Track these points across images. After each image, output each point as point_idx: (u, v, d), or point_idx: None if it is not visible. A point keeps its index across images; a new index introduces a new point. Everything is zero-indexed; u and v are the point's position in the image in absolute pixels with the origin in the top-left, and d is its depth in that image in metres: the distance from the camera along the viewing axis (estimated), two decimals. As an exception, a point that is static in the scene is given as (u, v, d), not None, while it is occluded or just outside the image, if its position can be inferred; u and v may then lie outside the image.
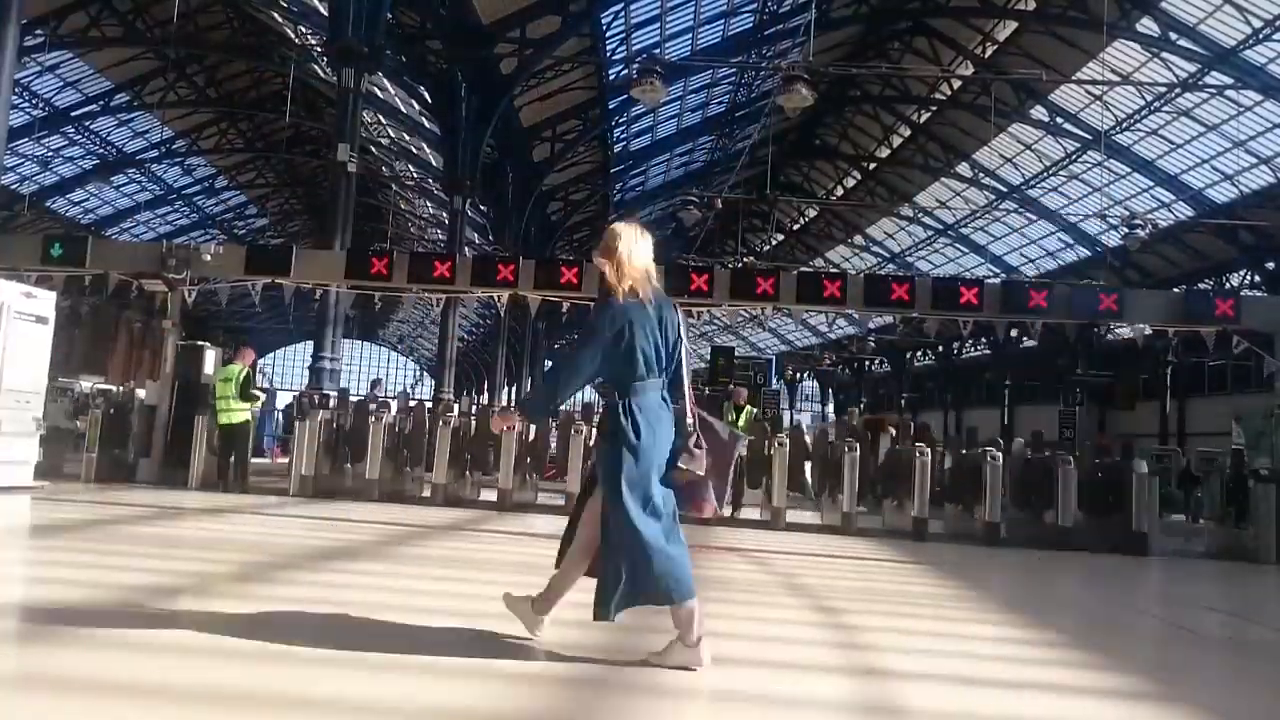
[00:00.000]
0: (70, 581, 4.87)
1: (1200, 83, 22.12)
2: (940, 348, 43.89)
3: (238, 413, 11.19)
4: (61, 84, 26.85)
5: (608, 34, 23.68)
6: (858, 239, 41.17)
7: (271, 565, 5.93)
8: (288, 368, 63.47)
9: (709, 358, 36.57)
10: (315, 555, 6.63)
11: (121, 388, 15.18)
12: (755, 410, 13.43)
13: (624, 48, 24.78)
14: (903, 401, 45.48)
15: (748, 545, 8.85)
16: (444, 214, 28.25)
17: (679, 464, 3.67)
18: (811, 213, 40.32)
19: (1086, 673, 4.22)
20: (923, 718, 3.37)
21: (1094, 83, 22.94)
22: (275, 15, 24.53)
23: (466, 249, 25.59)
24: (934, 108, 30.25)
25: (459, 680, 3.44)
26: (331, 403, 12.54)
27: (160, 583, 4.98)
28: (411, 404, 13.66)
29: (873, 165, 35.24)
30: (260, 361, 54.93)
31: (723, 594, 5.80)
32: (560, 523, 4.17)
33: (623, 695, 3.42)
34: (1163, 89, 22.64)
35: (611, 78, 25.35)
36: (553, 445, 13.00)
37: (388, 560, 6.61)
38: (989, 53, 25.95)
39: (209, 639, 3.78)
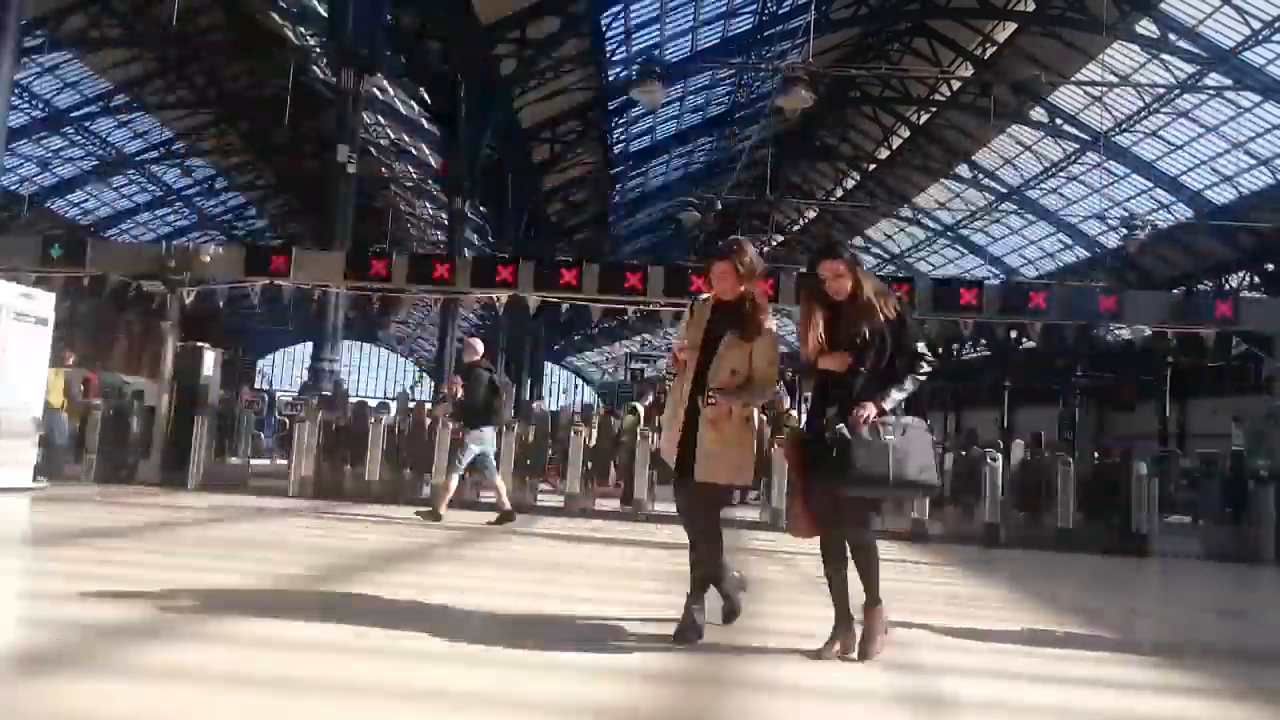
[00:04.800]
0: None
1: (1199, 84, 22.13)
2: (940, 349, 43.85)
3: None
4: (61, 85, 26.82)
5: (607, 35, 23.68)
6: (858, 240, 41.15)
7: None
8: (288, 368, 63.39)
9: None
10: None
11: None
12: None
13: (624, 49, 24.78)
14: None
15: (756, 547, 8.89)
16: (444, 215, 28.24)
17: None
18: (811, 214, 40.31)
19: (1105, 668, 4.29)
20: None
21: (1093, 84, 22.96)
22: (275, 16, 24.52)
23: (466, 250, 25.58)
24: (933, 109, 30.24)
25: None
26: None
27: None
28: (411, 405, 13.68)
29: (872, 166, 35.24)
30: (259, 363, 54.94)
31: (752, 592, 5.90)
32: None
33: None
34: (1162, 90, 22.64)
35: (611, 79, 25.35)
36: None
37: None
38: (988, 54, 25.95)
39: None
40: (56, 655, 3.45)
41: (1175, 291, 20.41)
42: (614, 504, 11.85)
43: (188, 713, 2.88)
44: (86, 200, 33.24)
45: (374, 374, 65.29)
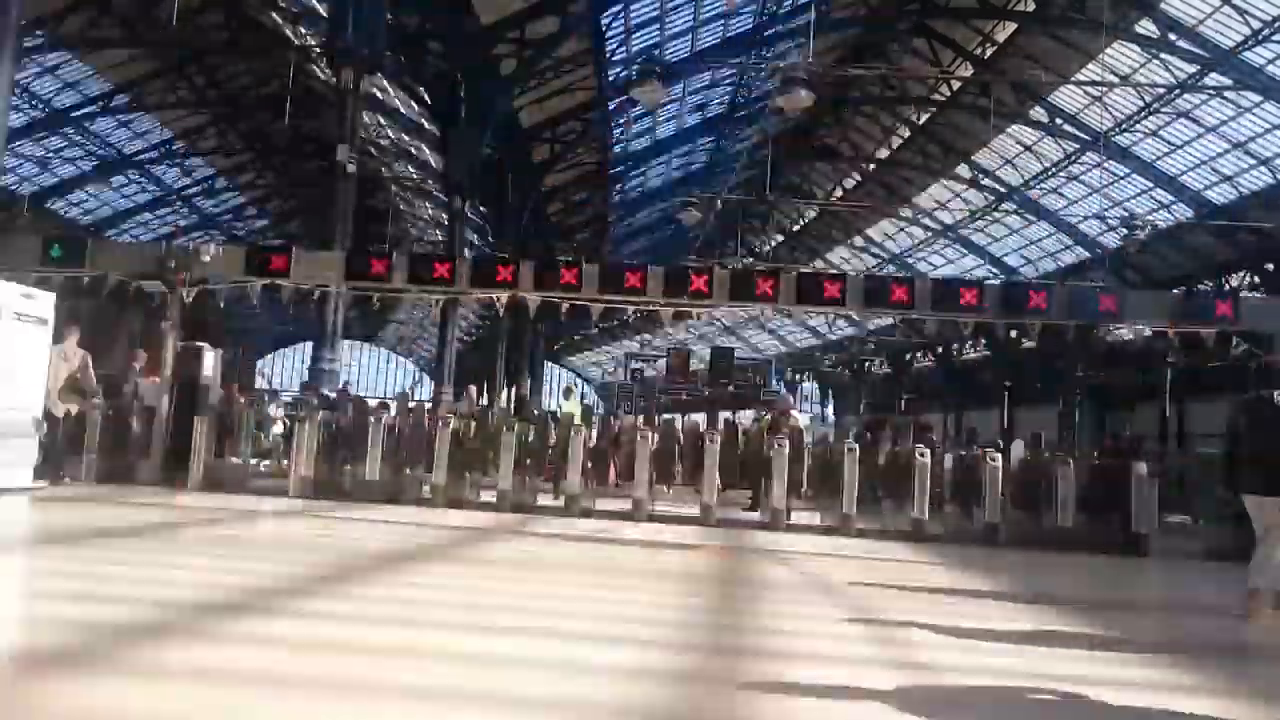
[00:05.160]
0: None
1: (1200, 84, 22.12)
2: (940, 349, 43.89)
3: None
4: (61, 85, 26.81)
5: (607, 35, 23.66)
6: (857, 240, 41.17)
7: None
8: (287, 368, 63.39)
9: (708, 359, 36.62)
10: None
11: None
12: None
13: (624, 49, 24.78)
14: (902, 403, 45.46)
15: (760, 546, 8.91)
16: (443, 215, 28.23)
17: None
18: (811, 214, 40.31)
19: (1108, 667, 4.30)
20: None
21: (1093, 84, 22.94)
22: (275, 16, 24.52)
23: (466, 250, 25.56)
24: (933, 109, 30.24)
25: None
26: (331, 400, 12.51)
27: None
28: (411, 405, 13.66)
29: (872, 166, 35.24)
30: (259, 363, 54.92)
31: (757, 592, 5.93)
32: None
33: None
34: (1162, 90, 22.64)
35: (611, 79, 25.34)
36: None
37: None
38: (988, 54, 25.95)
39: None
40: (74, 655, 3.46)
41: (1175, 291, 20.40)
42: (614, 504, 11.85)
43: (214, 712, 2.90)
44: (86, 200, 33.22)
45: (374, 374, 65.26)
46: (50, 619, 4.05)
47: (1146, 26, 21.89)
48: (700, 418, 28.51)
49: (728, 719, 3.32)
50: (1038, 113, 27.26)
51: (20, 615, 4.23)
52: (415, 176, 33.63)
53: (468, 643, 4.01)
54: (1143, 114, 24.63)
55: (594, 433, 12.29)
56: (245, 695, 3.09)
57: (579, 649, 4.00)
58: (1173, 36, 21.59)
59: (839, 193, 37.70)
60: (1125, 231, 22.96)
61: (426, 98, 23.19)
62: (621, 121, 29.25)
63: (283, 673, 3.39)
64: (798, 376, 52.81)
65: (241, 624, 4.10)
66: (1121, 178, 26.89)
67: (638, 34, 24.79)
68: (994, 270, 34.70)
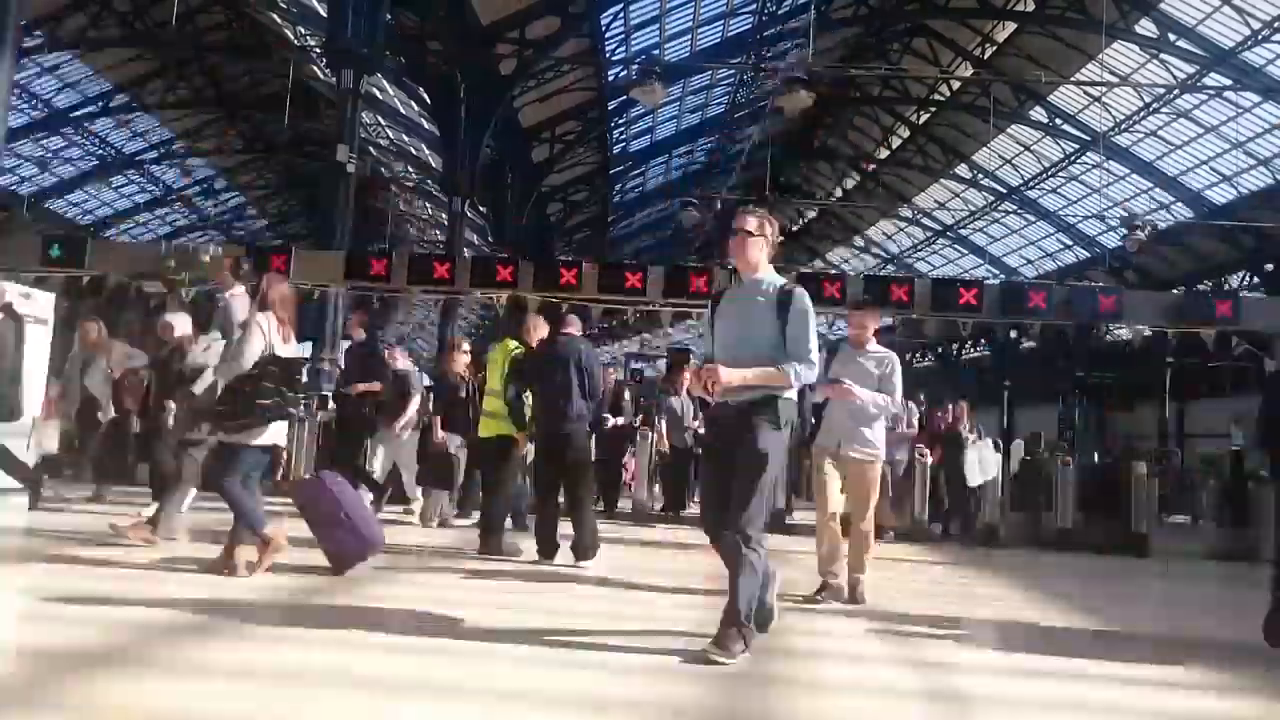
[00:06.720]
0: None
1: (1199, 84, 22.13)
2: (939, 349, 43.86)
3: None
4: (61, 85, 26.81)
5: (607, 35, 23.68)
6: (857, 240, 41.16)
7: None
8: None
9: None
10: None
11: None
12: None
13: (624, 49, 24.78)
14: (902, 403, 45.43)
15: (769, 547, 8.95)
16: (443, 215, 28.24)
17: None
18: (811, 214, 40.31)
19: (1117, 665, 4.32)
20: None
21: (1093, 84, 22.96)
22: (275, 16, 24.52)
23: (466, 250, 25.56)
24: (933, 109, 30.25)
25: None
26: (330, 404, 12.49)
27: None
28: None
29: (872, 166, 35.24)
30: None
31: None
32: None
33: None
34: (1161, 90, 22.65)
35: (611, 79, 25.35)
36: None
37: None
38: (988, 54, 25.95)
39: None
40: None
41: (1175, 292, 20.42)
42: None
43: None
44: (86, 200, 33.22)
45: (374, 374, 65.03)
46: (73, 619, 4.03)
47: (1146, 26, 21.90)
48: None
49: (760, 716, 3.29)
50: (1037, 113, 27.27)
51: (47, 615, 4.21)
52: (415, 176, 33.62)
53: (487, 642, 4.00)
54: (1142, 114, 24.64)
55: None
56: (262, 696, 3.08)
57: (584, 647, 3.99)
58: (1173, 36, 21.60)
59: (839, 193, 37.70)
60: (1125, 232, 22.94)
61: (426, 98, 23.18)
62: (621, 121, 29.26)
63: (314, 670, 3.38)
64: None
65: (247, 623, 4.09)
66: (1121, 178, 26.91)
67: (638, 34, 24.81)
68: (994, 270, 34.71)
